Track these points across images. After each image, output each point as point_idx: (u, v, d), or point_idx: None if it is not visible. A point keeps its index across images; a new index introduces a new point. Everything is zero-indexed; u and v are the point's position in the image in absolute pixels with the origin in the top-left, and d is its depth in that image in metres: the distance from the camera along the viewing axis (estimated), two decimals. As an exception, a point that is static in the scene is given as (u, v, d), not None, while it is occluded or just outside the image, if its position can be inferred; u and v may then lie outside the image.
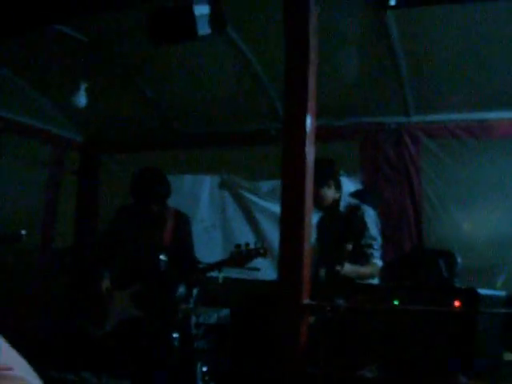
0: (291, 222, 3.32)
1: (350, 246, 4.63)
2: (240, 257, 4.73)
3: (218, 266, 4.90)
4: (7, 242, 4.75)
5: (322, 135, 6.35)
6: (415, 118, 6.31)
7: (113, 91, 6.98)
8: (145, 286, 4.85)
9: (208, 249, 6.97)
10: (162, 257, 4.91)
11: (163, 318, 4.99)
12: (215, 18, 4.02)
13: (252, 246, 4.70)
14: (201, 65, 6.26)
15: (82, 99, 6.19)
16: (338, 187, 5.36)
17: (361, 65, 5.83)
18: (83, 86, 6.14)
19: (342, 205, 5.27)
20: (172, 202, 7.38)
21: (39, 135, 7.51)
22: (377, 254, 5.15)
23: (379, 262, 5.15)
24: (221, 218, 7.34)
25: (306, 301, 3.20)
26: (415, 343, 3.66)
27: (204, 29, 3.98)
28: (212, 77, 6.43)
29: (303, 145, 3.31)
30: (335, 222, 5.19)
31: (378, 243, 5.18)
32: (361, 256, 5.02)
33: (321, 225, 5.53)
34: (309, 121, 3.35)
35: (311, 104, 3.37)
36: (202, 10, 4.01)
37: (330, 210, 5.32)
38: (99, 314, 4.91)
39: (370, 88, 6.19)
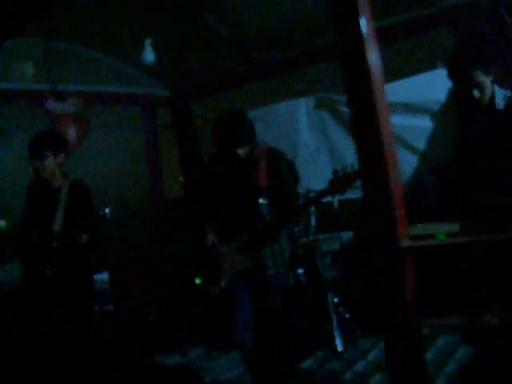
0: (367, 145, 2.86)
1: None
2: (340, 183, 4.39)
3: (318, 198, 4.59)
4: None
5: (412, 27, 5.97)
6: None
7: (185, 37, 6.76)
8: (250, 235, 4.64)
9: (318, 174, 6.72)
10: (261, 200, 4.66)
11: (275, 260, 4.74)
12: None
13: (349, 169, 4.36)
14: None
15: (149, 55, 6.03)
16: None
17: None
18: (148, 42, 5.97)
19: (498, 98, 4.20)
20: (271, 131, 7.23)
21: (126, 99, 7.53)
22: None
23: None
24: (324, 139, 7.02)
25: (406, 243, 2.70)
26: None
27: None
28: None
29: (362, 52, 2.78)
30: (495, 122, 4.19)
31: None
32: None
33: (472, 131, 4.49)
34: (363, 22, 2.83)
35: (363, 4, 2.84)
36: None
37: (484, 109, 4.22)
38: (212, 271, 4.77)
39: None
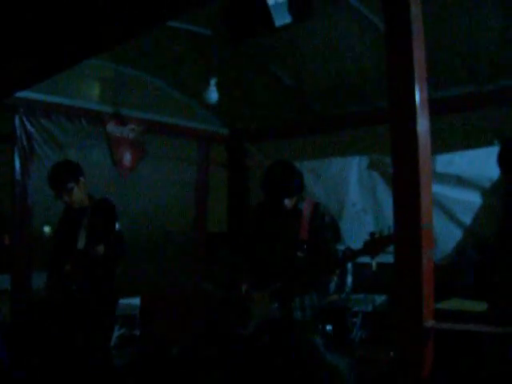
0: (406, 216, 2.84)
1: None
2: (374, 245, 4.40)
3: (351, 258, 4.62)
4: None
5: (472, 102, 5.96)
6: None
7: (249, 81, 6.90)
8: (283, 286, 4.66)
9: (361, 233, 6.68)
10: (299, 253, 4.68)
11: (304, 314, 4.74)
12: (295, 5, 3.65)
13: (385, 233, 4.35)
14: (332, 43, 5.94)
15: (212, 95, 6.10)
16: None
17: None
18: (212, 82, 6.05)
19: None
20: (321, 185, 7.24)
21: (183, 132, 7.62)
22: None
23: None
24: (371, 200, 7.00)
25: (430, 323, 2.67)
26: None
27: (283, 18, 3.61)
28: (345, 53, 6.07)
29: (413, 121, 2.77)
30: None
31: None
32: None
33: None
34: (417, 93, 2.82)
35: (419, 73, 2.83)
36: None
37: None
38: (242, 315, 4.79)
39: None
